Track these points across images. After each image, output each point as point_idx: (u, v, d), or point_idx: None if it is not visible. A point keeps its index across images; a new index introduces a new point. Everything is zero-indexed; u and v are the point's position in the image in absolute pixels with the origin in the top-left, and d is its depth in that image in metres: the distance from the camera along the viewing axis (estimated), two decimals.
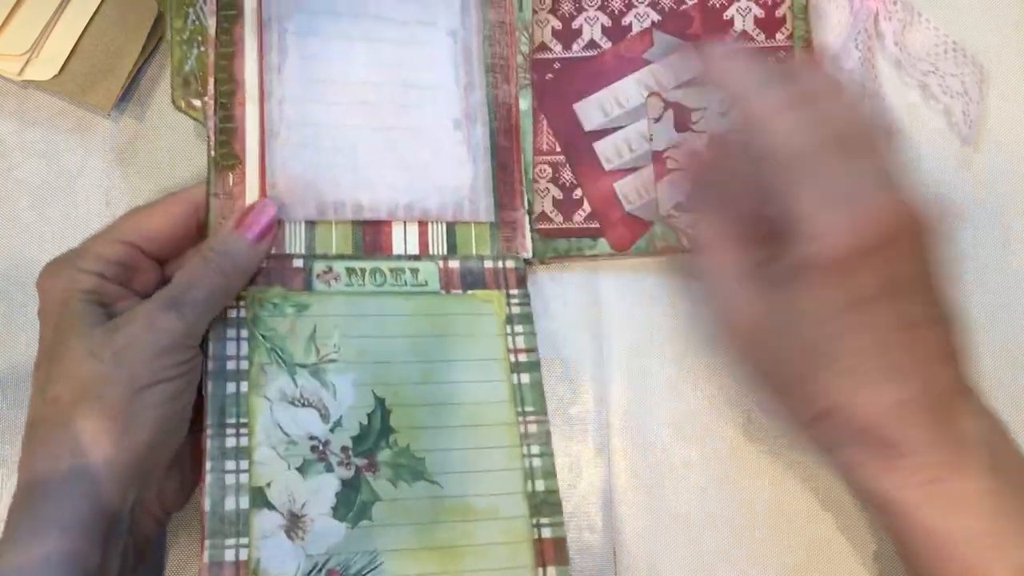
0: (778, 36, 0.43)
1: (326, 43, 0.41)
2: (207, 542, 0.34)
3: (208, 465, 0.35)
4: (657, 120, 0.43)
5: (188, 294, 0.34)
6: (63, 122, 0.42)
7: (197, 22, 0.39)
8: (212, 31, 0.39)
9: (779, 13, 0.43)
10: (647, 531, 0.40)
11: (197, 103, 0.39)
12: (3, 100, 0.42)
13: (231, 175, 0.39)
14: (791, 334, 0.31)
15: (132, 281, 0.36)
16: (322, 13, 0.41)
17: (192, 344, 0.34)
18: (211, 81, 0.39)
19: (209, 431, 0.35)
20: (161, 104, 0.43)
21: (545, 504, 0.37)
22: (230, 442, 0.35)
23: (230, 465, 0.35)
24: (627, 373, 0.42)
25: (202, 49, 0.39)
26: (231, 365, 0.37)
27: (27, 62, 0.40)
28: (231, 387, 0.36)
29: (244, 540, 0.34)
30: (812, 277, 0.30)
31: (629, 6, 0.43)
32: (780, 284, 0.31)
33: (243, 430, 0.36)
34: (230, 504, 0.34)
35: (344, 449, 0.36)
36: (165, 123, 0.42)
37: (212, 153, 0.39)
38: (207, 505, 0.34)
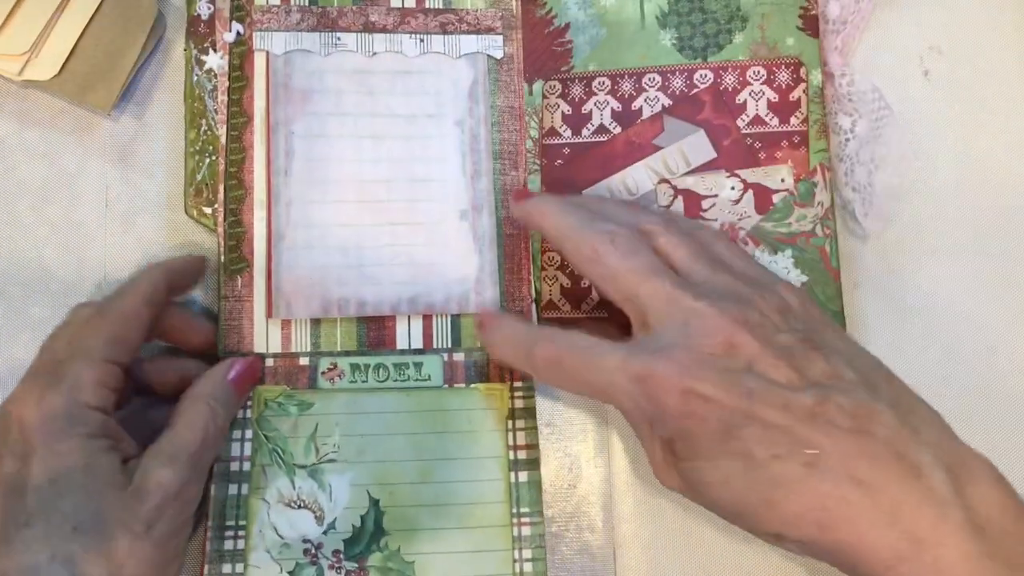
0: (792, 120, 0.41)
1: (333, 144, 0.42)
2: None
3: (206, 569, 0.36)
4: (667, 207, 0.41)
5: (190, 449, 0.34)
6: (63, 122, 0.42)
7: (209, 132, 0.41)
8: (223, 139, 0.41)
9: (793, 96, 0.41)
10: (647, 531, 0.40)
11: (208, 211, 0.41)
12: (3, 100, 0.42)
13: (239, 279, 0.40)
14: None
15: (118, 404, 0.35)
16: (330, 114, 0.42)
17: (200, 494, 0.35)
18: (221, 188, 0.41)
19: (210, 533, 0.37)
20: (161, 104, 0.43)
21: None
22: (228, 544, 0.37)
23: (227, 568, 0.37)
24: None
25: (214, 158, 0.41)
26: (235, 467, 0.38)
27: (27, 62, 0.39)
28: (233, 489, 0.38)
29: None
30: None
31: (639, 90, 0.42)
32: None
33: (241, 532, 0.37)
34: None
35: (335, 552, 0.37)
36: (165, 123, 0.42)
37: (222, 259, 0.40)
38: None
